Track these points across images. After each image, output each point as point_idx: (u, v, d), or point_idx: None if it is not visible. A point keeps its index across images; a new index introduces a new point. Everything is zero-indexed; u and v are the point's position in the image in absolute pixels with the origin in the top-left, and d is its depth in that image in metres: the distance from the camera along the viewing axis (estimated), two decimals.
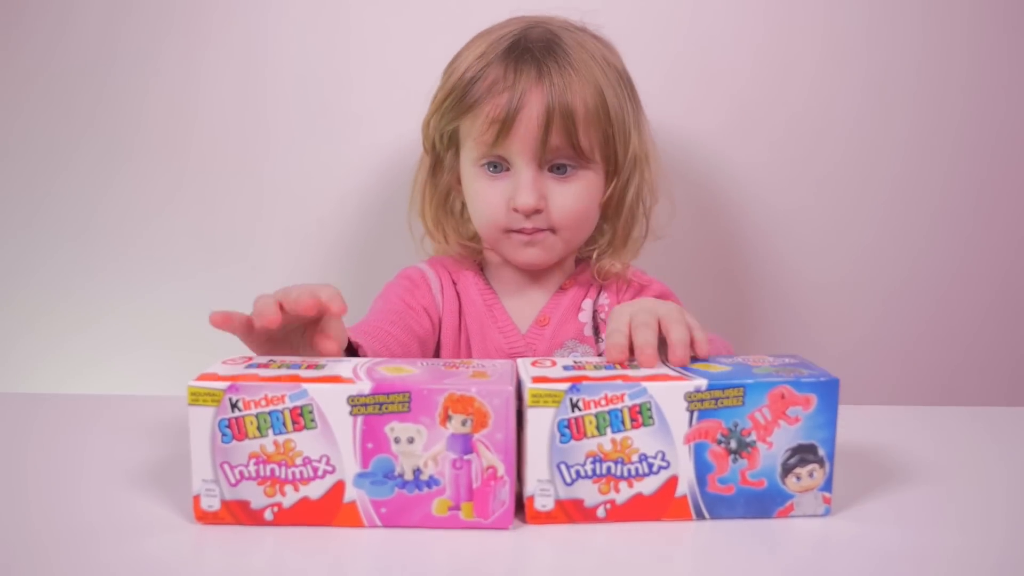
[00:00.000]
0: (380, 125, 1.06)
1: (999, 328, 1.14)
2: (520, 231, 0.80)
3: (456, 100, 0.80)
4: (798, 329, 1.13)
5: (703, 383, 0.50)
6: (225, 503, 0.49)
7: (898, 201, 1.11)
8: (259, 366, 0.52)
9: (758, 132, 1.08)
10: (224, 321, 0.54)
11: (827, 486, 0.52)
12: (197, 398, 0.48)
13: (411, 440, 0.48)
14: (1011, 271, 1.13)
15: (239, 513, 0.49)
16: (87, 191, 1.08)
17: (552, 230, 0.80)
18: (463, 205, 0.88)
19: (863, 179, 1.10)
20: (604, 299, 0.86)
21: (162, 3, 1.04)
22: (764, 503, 0.52)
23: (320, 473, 0.48)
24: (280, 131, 1.07)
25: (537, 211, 0.79)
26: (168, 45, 1.05)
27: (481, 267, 0.89)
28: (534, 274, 0.86)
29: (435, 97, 0.84)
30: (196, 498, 0.49)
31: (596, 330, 0.86)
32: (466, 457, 0.48)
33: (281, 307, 0.54)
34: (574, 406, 0.50)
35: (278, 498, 0.49)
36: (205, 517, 0.50)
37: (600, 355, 0.83)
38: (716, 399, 0.50)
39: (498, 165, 0.80)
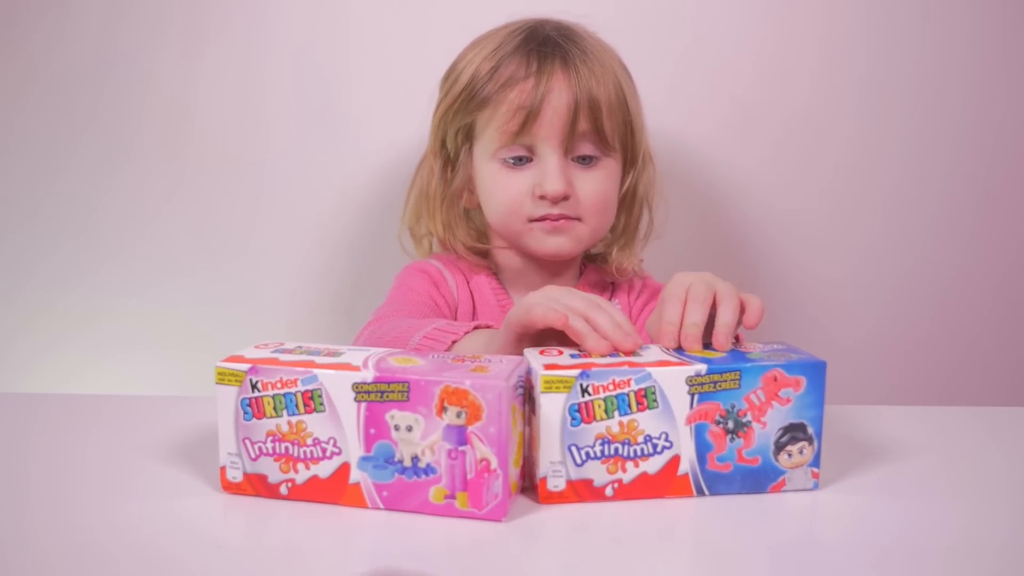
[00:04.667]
0: (380, 124, 1.10)
1: (999, 328, 1.19)
2: (544, 218, 0.83)
3: (474, 92, 0.82)
4: (799, 329, 1.16)
5: (703, 368, 0.56)
6: (247, 475, 0.57)
7: (898, 201, 1.15)
8: (284, 351, 0.59)
9: (758, 133, 1.13)
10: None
11: (815, 462, 0.59)
12: (223, 378, 0.55)
13: (409, 428, 0.53)
14: (1011, 271, 1.18)
15: (259, 486, 0.57)
16: (87, 190, 1.12)
17: (579, 219, 0.84)
18: (467, 212, 0.90)
19: (863, 180, 1.15)
20: (615, 303, 0.90)
21: (162, 3, 1.08)
22: (759, 479, 0.58)
23: (328, 454, 0.55)
24: (280, 130, 1.11)
25: (565, 197, 0.81)
26: (168, 45, 1.09)
27: (492, 269, 0.92)
28: (548, 275, 0.89)
29: (444, 96, 0.86)
30: (223, 469, 0.57)
31: None
32: (461, 448, 0.53)
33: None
34: (584, 391, 0.55)
35: (291, 475, 0.56)
36: (230, 487, 0.57)
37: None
38: (715, 383, 0.56)
39: (521, 158, 0.83)
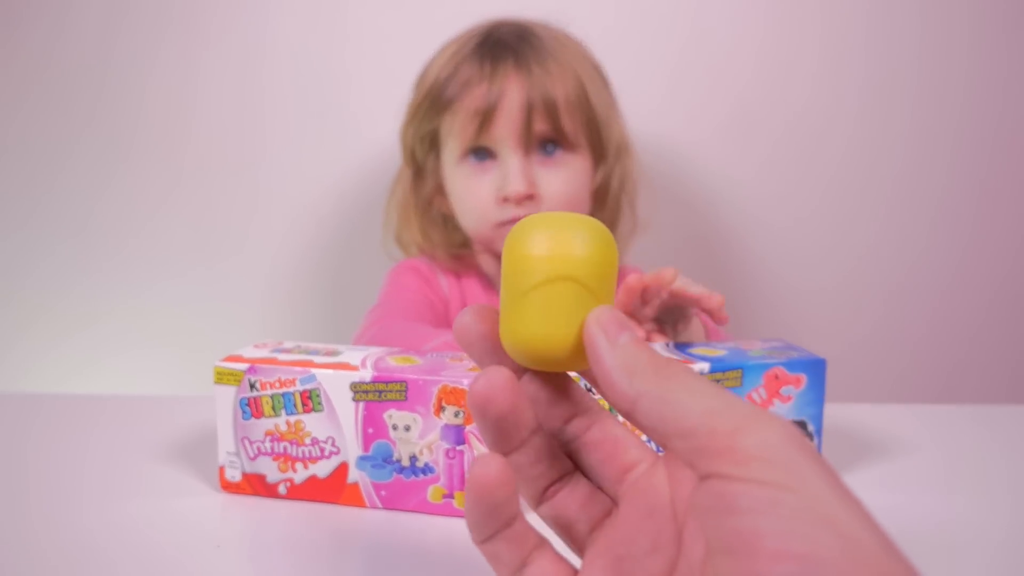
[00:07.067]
0: (378, 124, 1.09)
1: (1000, 327, 1.20)
2: (512, 221, 0.81)
3: (433, 100, 0.83)
4: (800, 328, 1.18)
5: (705, 367, 0.55)
6: (246, 475, 0.57)
7: (899, 201, 1.16)
8: (282, 351, 0.59)
9: (759, 134, 1.14)
10: None
11: None
12: (221, 377, 0.56)
13: (407, 428, 0.53)
14: (1012, 271, 1.19)
15: (257, 485, 0.57)
16: (85, 190, 1.13)
17: None
18: (444, 217, 0.91)
19: (864, 180, 1.15)
20: None
21: (161, 3, 1.09)
22: None
23: (326, 454, 0.55)
24: (277, 130, 1.12)
25: (529, 197, 0.81)
26: (167, 45, 1.10)
27: (479, 269, 0.92)
28: None
29: (409, 105, 0.88)
30: (221, 468, 0.57)
31: None
32: (459, 447, 0.53)
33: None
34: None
35: (290, 474, 0.56)
36: (229, 487, 0.57)
37: None
38: (718, 381, 0.55)
39: (484, 154, 0.83)
